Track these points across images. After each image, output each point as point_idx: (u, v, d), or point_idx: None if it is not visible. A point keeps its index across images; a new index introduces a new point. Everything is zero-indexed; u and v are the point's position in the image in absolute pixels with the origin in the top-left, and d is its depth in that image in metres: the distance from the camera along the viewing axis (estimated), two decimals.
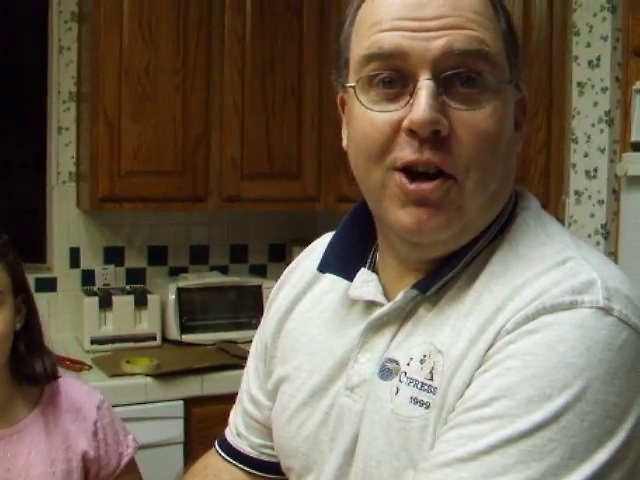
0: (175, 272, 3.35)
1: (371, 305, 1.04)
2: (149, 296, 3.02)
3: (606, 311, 0.84)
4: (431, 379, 0.92)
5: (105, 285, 3.22)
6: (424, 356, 0.94)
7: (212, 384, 2.69)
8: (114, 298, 2.97)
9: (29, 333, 1.53)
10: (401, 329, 0.99)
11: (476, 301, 0.92)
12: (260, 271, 3.53)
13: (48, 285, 3.19)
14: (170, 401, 2.65)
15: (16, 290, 1.49)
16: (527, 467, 0.80)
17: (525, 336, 0.85)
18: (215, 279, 3.22)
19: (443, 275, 0.96)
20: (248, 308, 3.15)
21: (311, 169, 3.12)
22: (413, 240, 0.97)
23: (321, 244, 1.16)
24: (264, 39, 3.07)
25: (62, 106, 3.20)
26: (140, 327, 3.00)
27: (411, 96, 0.90)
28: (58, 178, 3.21)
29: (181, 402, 2.66)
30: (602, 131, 2.43)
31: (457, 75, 0.90)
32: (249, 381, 1.25)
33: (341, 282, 1.09)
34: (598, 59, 2.43)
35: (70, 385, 1.62)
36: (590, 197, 2.46)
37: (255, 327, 3.11)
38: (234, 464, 1.28)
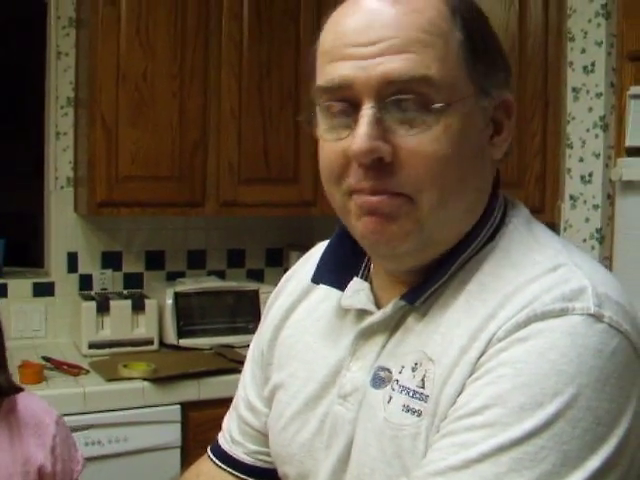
0: (172, 277, 3.35)
1: (362, 314, 1.05)
2: (146, 301, 3.02)
3: (597, 318, 0.85)
4: (423, 387, 0.93)
5: (103, 290, 3.22)
6: (415, 364, 0.94)
7: (209, 388, 2.70)
8: (112, 303, 2.97)
9: None
10: (391, 338, 1.00)
11: (467, 309, 0.93)
12: (257, 276, 3.54)
13: (46, 290, 3.20)
14: (167, 405, 2.65)
15: None
16: (519, 475, 0.81)
17: (516, 344, 0.86)
18: (212, 284, 3.22)
19: (430, 285, 0.96)
20: (245, 313, 3.16)
21: (308, 174, 3.12)
22: (376, 252, 1.00)
23: (317, 252, 1.17)
24: (261, 44, 3.08)
25: (60, 111, 3.20)
26: (137, 332, 3.00)
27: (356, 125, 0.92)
28: (56, 183, 3.22)
29: (178, 406, 2.67)
30: (597, 136, 2.44)
31: (400, 100, 0.91)
32: (246, 388, 1.25)
33: (336, 291, 1.10)
34: (593, 64, 2.44)
35: (28, 399, 1.61)
36: (585, 202, 2.47)
37: (252, 332, 3.11)
38: (228, 471, 1.27)
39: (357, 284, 1.07)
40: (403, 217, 0.93)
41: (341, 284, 1.08)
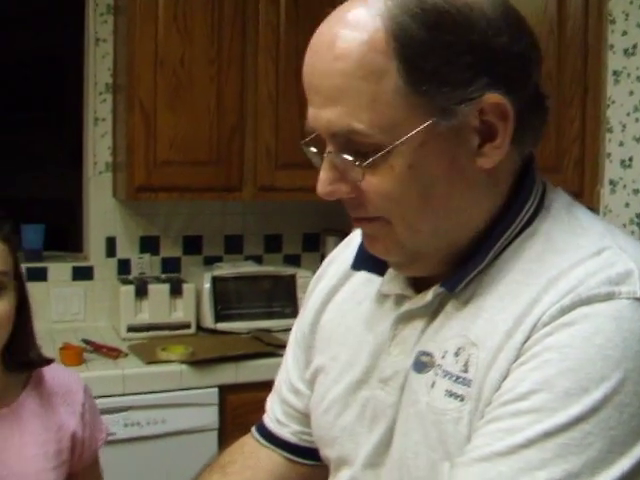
0: (210, 261, 3.37)
1: (401, 299, 1.05)
2: (184, 285, 3.05)
3: None
4: (466, 371, 0.93)
5: (141, 274, 3.25)
6: (458, 349, 0.94)
7: (246, 372, 2.72)
8: (150, 287, 3.00)
9: (23, 318, 1.54)
10: (432, 323, 1.00)
11: (511, 294, 0.93)
12: (294, 261, 3.55)
13: (85, 274, 3.24)
14: (205, 388, 2.68)
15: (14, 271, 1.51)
16: (565, 461, 0.81)
17: (561, 328, 0.85)
18: (250, 268, 3.24)
19: (469, 272, 0.96)
20: (282, 297, 3.18)
21: None
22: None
23: (357, 237, 1.18)
24: (298, 29, 3.07)
25: (98, 97, 3.23)
26: (175, 315, 3.03)
27: None
28: (95, 168, 3.25)
29: (216, 389, 2.69)
30: (637, 120, 2.41)
31: (348, 145, 0.91)
32: (288, 371, 1.26)
33: (376, 275, 1.11)
34: (634, 47, 2.41)
35: (56, 370, 1.65)
36: (625, 186, 2.45)
37: (289, 316, 3.18)
38: (272, 449, 1.29)
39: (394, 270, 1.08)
40: (384, 237, 0.97)
41: (380, 269, 1.08)
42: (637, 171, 2.42)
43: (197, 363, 2.66)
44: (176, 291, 3.02)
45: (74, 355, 2.62)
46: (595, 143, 2.53)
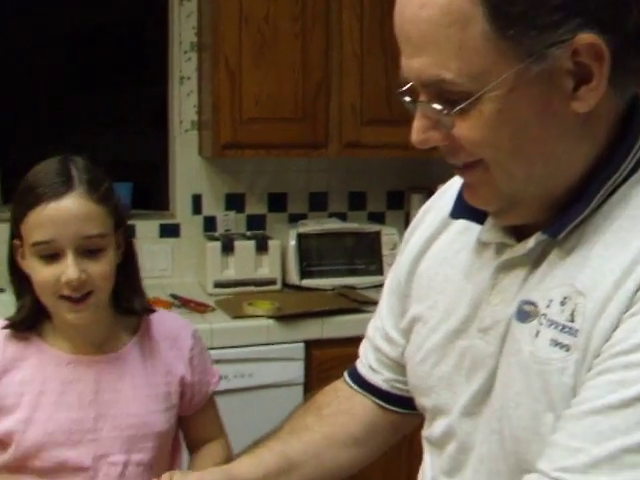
0: (294, 219, 3.38)
1: (502, 247, 1.04)
2: (270, 241, 3.07)
3: None
4: (572, 321, 0.91)
5: (226, 231, 3.28)
6: (564, 298, 0.93)
7: (332, 327, 2.73)
8: (236, 243, 3.03)
9: (127, 267, 1.57)
10: (534, 271, 0.99)
11: (619, 242, 0.91)
12: (378, 218, 3.54)
13: (172, 231, 3.29)
14: (291, 343, 2.71)
15: (116, 227, 1.53)
16: None
17: None
18: (334, 225, 3.24)
19: (573, 219, 0.94)
20: (366, 255, 3.18)
21: None
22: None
23: (456, 183, 1.16)
24: None
25: (183, 56, 3.25)
26: (261, 271, 3.06)
27: None
28: (180, 127, 3.28)
29: (302, 344, 2.71)
30: None
31: (438, 94, 0.91)
32: (382, 319, 1.27)
33: (475, 224, 1.10)
34: None
35: (165, 316, 1.69)
36: None
37: (373, 273, 3.18)
38: (365, 395, 1.31)
39: (493, 219, 1.06)
40: (482, 185, 0.96)
41: (480, 217, 1.07)
42: None
43: (283, 318, 2.69)
44: (262, 248, 3.04)
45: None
46: None
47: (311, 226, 3.18)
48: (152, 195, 3.90)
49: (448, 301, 1.10)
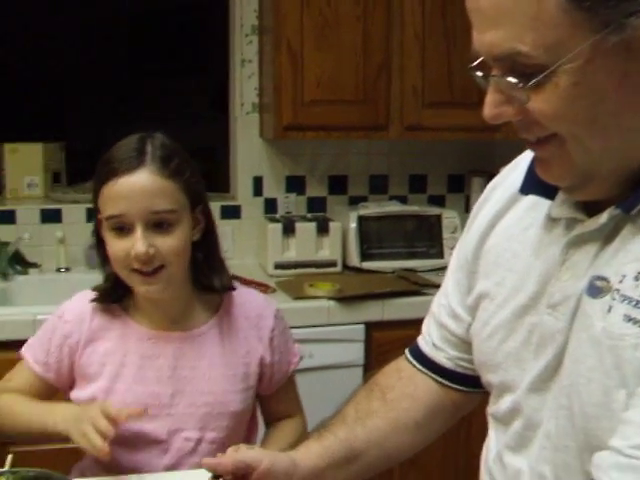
0: (355, 201, 3.38)
1: (572, 222, 1.03)
2: (331, 223, 3.07)
3: None
4: None
5: (287, 213, 3.31)
6: (638, 273, 0.92)
7: (392, 310, 2.73)
8: (297, 225, 3.05)
9: (207, 244, 1.60)
10: (606, 247, 0.98)
11: None
12: (438, 202, 3.52)
13: (233, 212, 3.31)
14: (351, 325, 2.71)
15: (194, 203, 1.54)
16: None
17: None
18: (395, 208, 3.23)
19: None
20: (427, 238, 3.17)
21: None
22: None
23: (524, 160, 1.16)
24: None
25: (245, 39, 3.27)
26: (321, 253, 3.07)
27: None
28: (241, 110, 3.30)
29: (362, 326, 2.71)
30: None
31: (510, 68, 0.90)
32: (448, 295, 1.27)
33: (544, 199, 1.09)
34: None
35: (248, 294, 1.71)
36: None
37: (433, 257, 3.17)
38: (427, 374, 1.31)
39: (565, 194, 1.05)
40: (557, 160, 0.94)
41: (550, 193, 1.06)
42: None
43: (344, 300, 2.70)
44: (323, 230, 3.05)
45: None
46: None
47: (372, 209, 3.17)
48: (212, 178, 3.94)
49: (516, 277, 1.10)
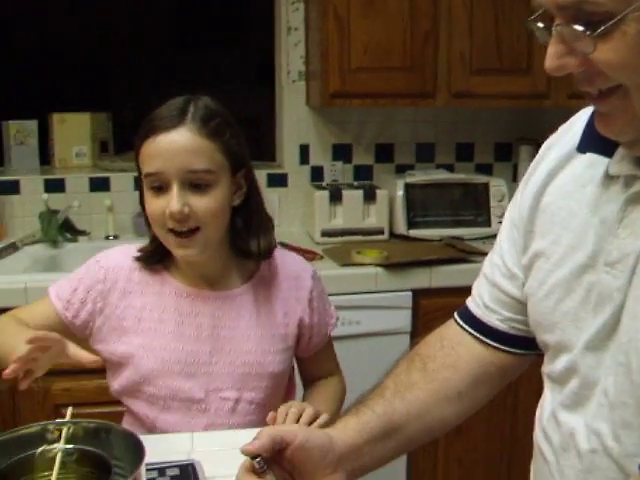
0: (401, 170, 3.38)
1: (631, 180, 1.02)
2: (377, 191, 3.07)
3: None
4: None
5: (333, 181, 3.31)
6: None
7: (440, 276, 2.73)
8: (344, 192, 3.05)
9: (248, 210, 1.58)
10: None
11: None
12: (486, 170, 3.50)
13: (279, 181, 3.33)
14: (399, 292, 2.71)
15: (235, 167, 1.53)
16: None
17: None
18: (442, 176, 3.22)
19: None
20: (474, 206, 3.15)
21: (541, 64, 2.95)
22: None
23: (580, 119, 1.15)
24: None
25: (291, 7, 3.26)
26: (368, 221, 3.07)
27: None
28: (288, 77, 3.30)
29: (409, 293, 2.72)
30: None
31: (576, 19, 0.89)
32: (503, 255, 1.25)
33: (601, 158, 1.08)
34: None
35: (286, 256, 1.70)
36: None
37: (480, 225, 3.16)
38: (477, 337, 1.28)
39: (625, 150, 1.04)
40: (620, 113, 0.93)
41: (609, 151, 1.05)
42: None
43: (391, 267, 2.70)
44: (369, 197, 3.05)
45: None
46: None
47: (419, 176, 3.16)
48: (259, 146, 3.95)
49: (572, 236, 1.09)
